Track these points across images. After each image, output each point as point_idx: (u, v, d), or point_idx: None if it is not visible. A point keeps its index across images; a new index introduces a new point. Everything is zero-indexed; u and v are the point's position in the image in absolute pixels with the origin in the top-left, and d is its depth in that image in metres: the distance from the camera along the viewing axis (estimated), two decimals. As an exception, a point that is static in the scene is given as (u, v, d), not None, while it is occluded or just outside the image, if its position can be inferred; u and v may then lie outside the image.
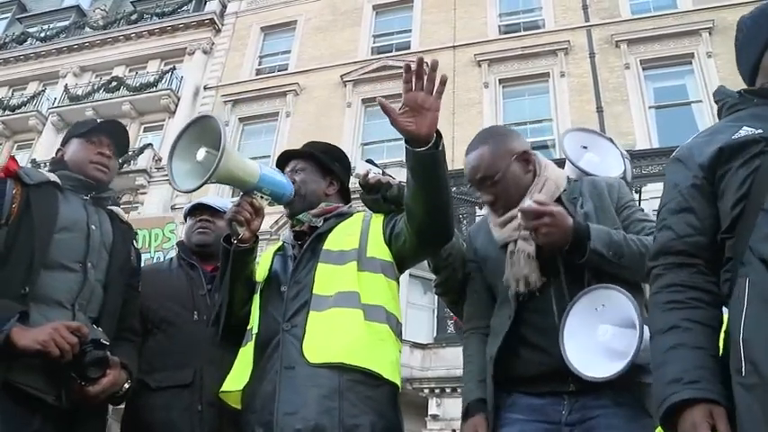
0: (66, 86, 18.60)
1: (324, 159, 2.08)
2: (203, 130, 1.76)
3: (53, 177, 1.95)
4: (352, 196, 2.16)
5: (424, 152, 1.61)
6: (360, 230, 1.90)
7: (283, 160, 2.12)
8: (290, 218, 2.01)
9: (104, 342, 1.75)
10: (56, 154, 2.13)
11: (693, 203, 1.41)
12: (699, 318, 1.31)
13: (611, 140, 2.29)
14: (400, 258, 1.89)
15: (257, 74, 17.63)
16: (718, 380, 1.23)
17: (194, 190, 1.79)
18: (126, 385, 1.84)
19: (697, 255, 1.38)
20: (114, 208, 2.13)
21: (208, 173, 1.67)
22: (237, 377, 1.80)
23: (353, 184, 2.02)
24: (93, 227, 1.93)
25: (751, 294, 1.23)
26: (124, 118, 17.49)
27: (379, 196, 1.91)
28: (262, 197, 1.86)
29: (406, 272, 2.07)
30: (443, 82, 1.61)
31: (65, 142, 2.13)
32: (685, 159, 1.45)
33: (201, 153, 1.74)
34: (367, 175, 1.90)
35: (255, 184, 1.82)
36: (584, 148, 2.25)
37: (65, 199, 1.91)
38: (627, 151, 2.31)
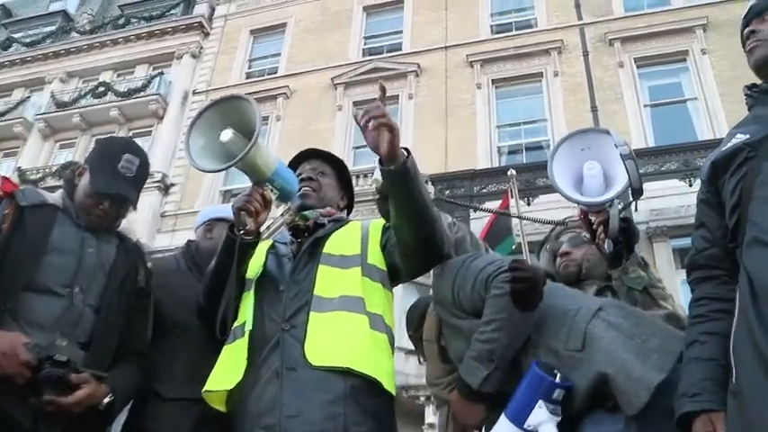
0: (52, 92, 18.38)
1: (348, 174, 2.18)
2: (230, 110, 1.75)
3: (52, 200, 1.91)
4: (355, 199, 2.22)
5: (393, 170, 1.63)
6: (360, 236, 1.90)
7: (304, 157, 2.14)
8: (297, 212, 1.99)
9: (60, 360, 1.65)
10: (72, 173, 1.99)
11: (704, 218, 1.49)
12: (717, 329, 1.37)
13: (607, 132, 1.98)
14: (394, 270, 1.88)
15: (247, 77, 17.49)
16: (723, 388, 1.30)
17: (213, 171, 1.84)
18: (106, 399, 1.76)
19: (717, 266, 1.44)
20: (121, 229, 2.07)
21: (233, 157, 1.66)
22: (227, 376, 1.73)
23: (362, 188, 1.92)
24: (90, 249, 1.89)
25: (740, 304, 1.30)
26: (112, 124, 17.32)
27: None
28: (272, 191, 1.85)
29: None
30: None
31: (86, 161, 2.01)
32: (700, 176, 1.54)
33: (227, 134, 1.71)
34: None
35: (270, 177, 1.81)
36: (588, 149, 1.99)
37: (61, 221, 1.88)
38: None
